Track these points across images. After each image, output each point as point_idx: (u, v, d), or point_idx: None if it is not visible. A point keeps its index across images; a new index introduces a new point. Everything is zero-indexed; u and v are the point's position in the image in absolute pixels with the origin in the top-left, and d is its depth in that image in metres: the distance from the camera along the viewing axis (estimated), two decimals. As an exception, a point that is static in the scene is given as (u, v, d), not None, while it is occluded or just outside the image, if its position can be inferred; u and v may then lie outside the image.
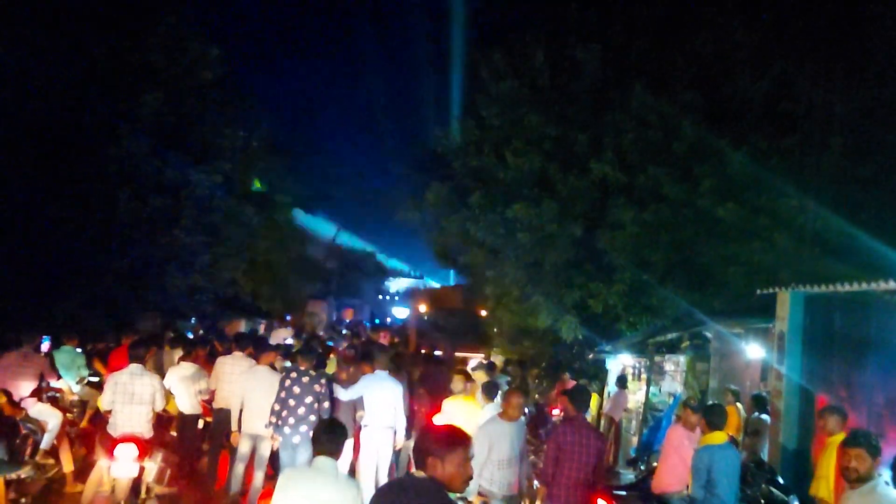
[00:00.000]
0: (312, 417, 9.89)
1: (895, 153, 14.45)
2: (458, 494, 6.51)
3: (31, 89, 18.64)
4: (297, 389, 10.10)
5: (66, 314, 18.54)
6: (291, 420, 9.87)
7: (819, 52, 15.16)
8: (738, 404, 13.28)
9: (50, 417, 10.61)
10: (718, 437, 7.99)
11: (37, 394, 10.88)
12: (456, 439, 4.34)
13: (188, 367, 11.86)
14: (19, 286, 17.97)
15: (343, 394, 10.91)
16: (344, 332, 29.06)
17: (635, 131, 17.45)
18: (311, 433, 8.52)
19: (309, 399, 10.03)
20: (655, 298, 16.97)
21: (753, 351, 14.08)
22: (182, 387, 11.66)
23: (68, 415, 11.51)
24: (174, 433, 12.12)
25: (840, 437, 8.03)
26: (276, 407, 10.13)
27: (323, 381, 10.40)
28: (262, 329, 29.24)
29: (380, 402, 10.71)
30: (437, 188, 21.64)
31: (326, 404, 10.32)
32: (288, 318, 35.62)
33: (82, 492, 9.71)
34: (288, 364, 11.86)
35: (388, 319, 60.28)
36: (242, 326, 29.27)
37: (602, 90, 18.99)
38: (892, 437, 8.78)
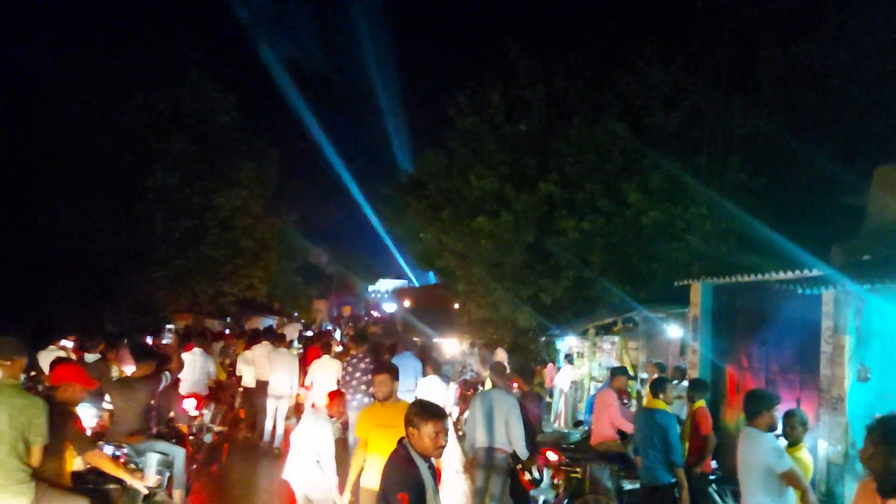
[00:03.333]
0: (364, 387, 10.22)
1: (783, 169, 14.61)
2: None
3: (84, 136, 18.67)
4: (350, 369, 10.53)
5: (114, 317, 18.50)
6: (351, 390, 10.21)
7: (720, 88, 15.28)
8: (662, 375, 13.33)
9: None
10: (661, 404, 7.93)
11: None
12: (430, 413, 4.22)
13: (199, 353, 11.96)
14: (76, 295, 17.92)
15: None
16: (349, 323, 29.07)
17: (574, 156, 17.52)
18: (365, 398, 9.86)
19: (358, 374, 10.41)
20: (594, 291, 17.01)
21: (673, 331, 14.14)
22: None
23: None
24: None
25: (700, 404, 8.16)
26: (342, 381, 10.71)
27: (368, 359, 10.71)
28: (276, 324, 29.14)
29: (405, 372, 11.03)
30: (416, 206, 21.68)
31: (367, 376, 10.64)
32: (296, 314, 35.54)
33: None
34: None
35: (378, 314, 60.13)
36: (260, 322, 29.17)
37: (547, 123, 19.07)
38: (786, 397, 8.86)
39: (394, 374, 6.31)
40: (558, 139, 18.24)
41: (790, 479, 5.29)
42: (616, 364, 16.16)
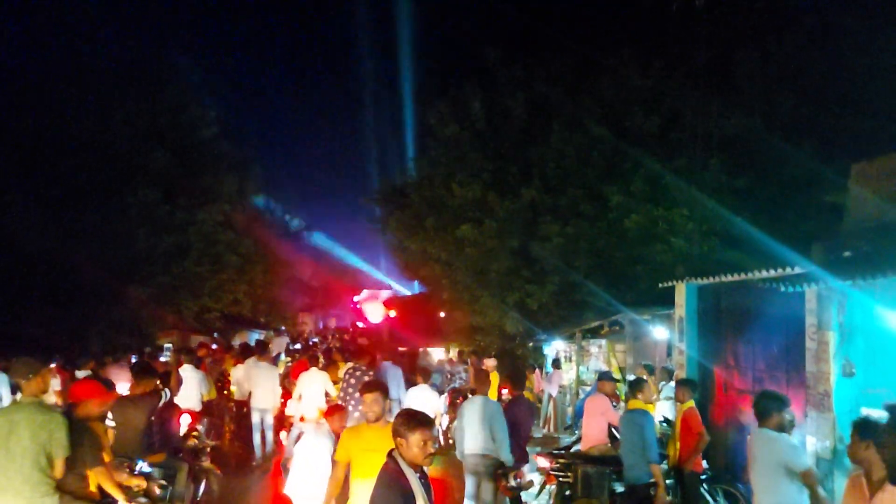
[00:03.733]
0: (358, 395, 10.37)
1: (762, 169, 14.72)
2: None
3: (63, 152, 18.54)
4: (353, 381, 10.67)
5: (98, 336, 18.37)
6: (353, 402, 10.30)
7: (699, 90, 15.40)
8: (651, 376, 13.39)
9: None
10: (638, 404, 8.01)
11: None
12: (417, 423, 4.23)
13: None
14: (56, 314, 17.78)
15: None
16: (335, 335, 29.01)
17: (556, 162, 17.58)
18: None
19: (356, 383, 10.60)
20: (580, 295, 17.05)
21: (659, 333, 14.22)
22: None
23: None
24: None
25: (689, 404, 8.25)
26: (342, 394, 10.82)
27: (371, 372, 11.05)
28: (264, 338, 29.04)
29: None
30: (399, 216, 21.68)
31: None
32: (283, 328, 35.37)
33: None
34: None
35: (364, 325, 59.92)
36: (247, 337, 29.06)
37: (528, 130, 19.13)
38: (772, 395, 8.93)
39: (385, 392, 5.91)
40: (539, 145, 18.29)
41: (808, 478, 5.36)
42: (604, 367, 16.23)
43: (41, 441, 5.25)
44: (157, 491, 6.90)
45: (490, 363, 15.84)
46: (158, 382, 8.04)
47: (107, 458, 5.94)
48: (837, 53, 14.12)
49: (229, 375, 13.95)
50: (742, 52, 15.66)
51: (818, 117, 14.42)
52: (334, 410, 7.17)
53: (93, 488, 5.74)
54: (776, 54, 15.35)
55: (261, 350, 14.05)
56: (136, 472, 6.68)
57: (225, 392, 13.75)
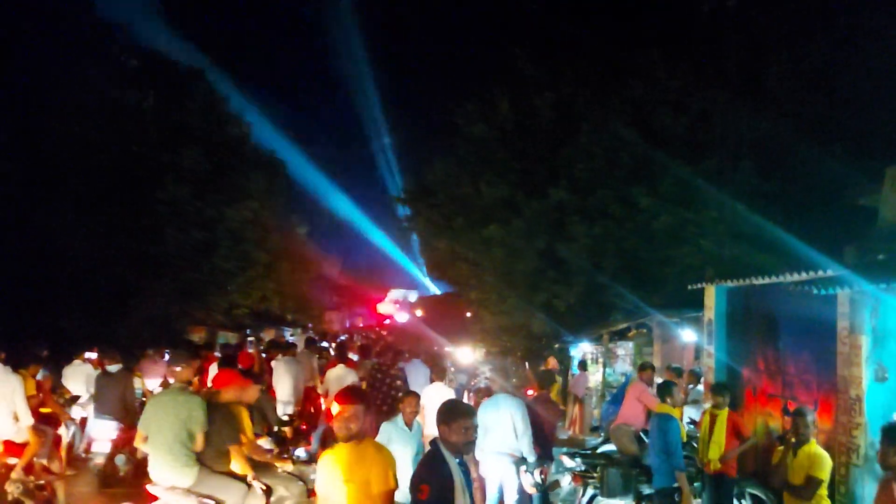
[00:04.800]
0: (393, 392, 10.80)
1: (793, 171, 14.57)
2: None
3: (94, 150, 18.75)
4: (379, 376, 11.16)
5: (127, 331, 18.54)
6: (380, 397, 10.77)
7: (729, 90, 15.28)
8: (679, 379, 13.32)
9: None
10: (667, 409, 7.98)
11: (163, 386, 11.80)
12: (458, 412, 4.49)
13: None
14: (87, 309, 17.98)
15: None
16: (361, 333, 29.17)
17: (584, 162, 17.51)
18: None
19: (388, 380, 11.08)
20: (607, 296, 16.98)
21: (688, 335, 14.18)
22: None
23: None
24: None
25: (725, 411, 8.22)
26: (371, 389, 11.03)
27: (392, 371, 11.43)
28: (289, 335, 29.26)
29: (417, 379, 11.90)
30: (427, 215, 21.71)
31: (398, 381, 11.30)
32: (310, 326, 35.58)
33: None
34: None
35: (391, 324, 60.10)
36: (273, 334, 29.27)
37: (556, 130, 19.08)
38: (802, 399, 8.85)
39: (366, 404, 4.65)
40: (567, 145, 18.24)
41: None
42: (630, 370, 16.17)
43: (182, 418, 6.26)
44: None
45: (553, 362, 15.81)
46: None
47: (244, 439, 6.73)
48: (870, 55, 13.95)
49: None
50: (773, 53, 15.52)
51: (851, 120, 14.25)
52: (405, 400, 7.49)
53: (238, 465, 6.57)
54: (807, 55, 15.19)
55: (286, 348, 14.46)
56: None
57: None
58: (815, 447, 6.47)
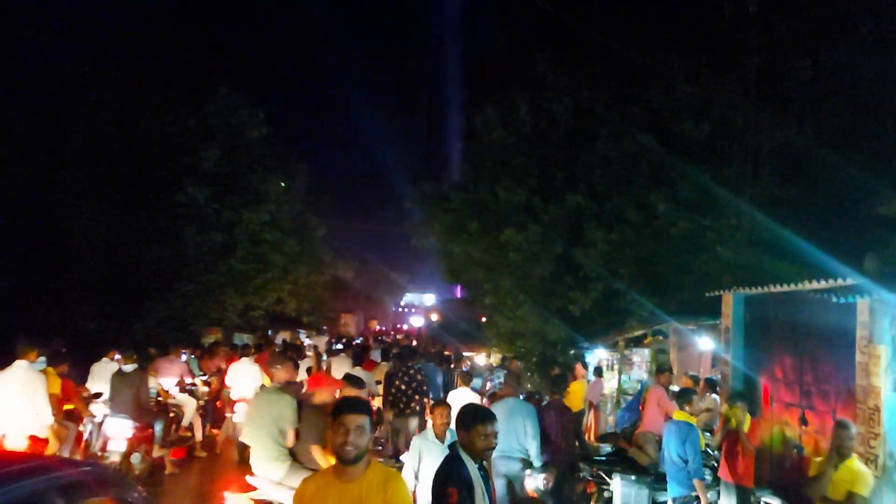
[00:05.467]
0: (415, 395, 11.81)
1: (814, 180, 14.48)
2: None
3: (115, 152, 18.90)
4: (407, 378, 11.85)
5: (144, 331, 18.66)
6: (404, 399, 11.74)
7: (748, 97, 15.21)
8: (696, 387, 13.25)
9: (188, 403, 12.80)
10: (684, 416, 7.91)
11: (180, 385, 12.86)
12: (478, 417, 4.39)
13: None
14: (106, 310, 18.11)
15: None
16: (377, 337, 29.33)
17: (602, 168, 17.50)
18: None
19: (414, 384, 11.88)
20: (624, 303, 16.93)
21: (705, 343, 14.09)
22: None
23: (199, 402, 13.46)
24: None
25: (748, 419, 8.17)
26: (393, 390, 11.87)
27: (422, 371, 12.52)
28: (304, 337, 29.43)
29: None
30: (442, 219, 21.71)
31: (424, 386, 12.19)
32: (325, 328, 35.67)
33: (206, 456, 12.60)
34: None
35: (406, 327, 60.17)
36: (288, 336, 29.39)
37: (574, 136, 19.06)
38: (819, 409, 8.79)
39: (370, 415, 3.71)
40: (586, 151, 18.21)
41: None
42: (646, 377, 16.10)
43: (274, 416, 6.73)
44: None
45: (581, 371, 15.79)
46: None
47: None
48: (891, 62, 13.85)
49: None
50: (793, 59, 15.44)
51: (872, 128, 14.15)
52: (435, 410, 7.34)
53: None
54: (828, 62, 15.10)
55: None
56: None
57: None
58: (856, 462, 6.39)
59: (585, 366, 16.27)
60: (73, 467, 3.90)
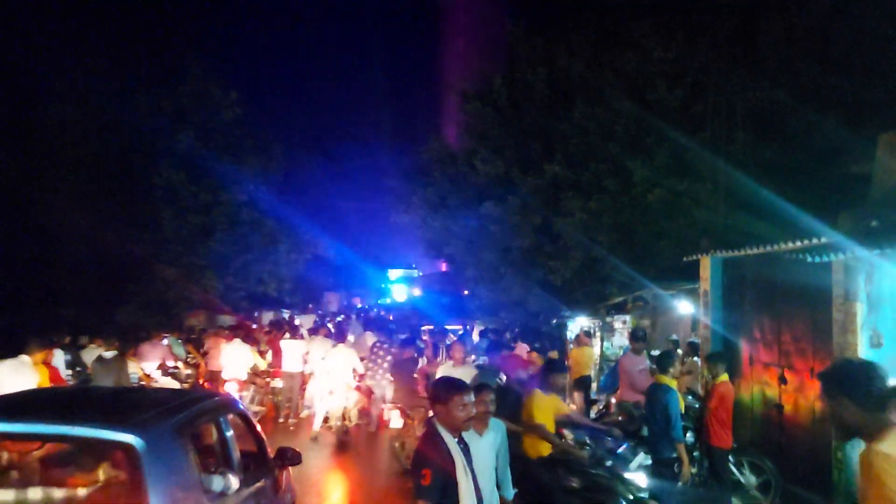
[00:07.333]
0: (385, 365, 12.32)
1: (788, 140, 14.53)
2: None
3: (90, 135, 18.71)
4: (381, 353, 12.51)
5: (126, 317, 18.58)
6: (380, 371, 12.33)
7: (721, 63, 15.20)
8: (678, 350, 13.35)
9: (170, 385, 12.73)
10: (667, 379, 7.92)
11: (161, 368, 13.02)
12: (453, 388, 4.27)
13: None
14: (86, 295, 18.00)
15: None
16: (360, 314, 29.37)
17: (578, 137, 17.47)
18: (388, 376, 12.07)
19: (389, 357, 12.41)
20: (604, 270, 17.00)
21: (684, 307, 14.18)
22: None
23: (183, 384, 13.61)
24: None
25: (724, 378, 8.20)
26: (370, 364, 12.51)
27: (394, 347, 12.81)
28: (287, 317, 29.28)
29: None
30: (422, 193, 21.66)
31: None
32: (310, 306, 35.60)
33: None
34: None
35: (389, 301, 60.19)
36: (271, 316, 29.28)
37: (550, 105, 19.01)
38: (799, 367, 8.87)
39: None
40: (562, 120, 18.17)
41: None
42: (628, 343, 16.20)
43: None
44: None
45: (585, 339, 15.77)
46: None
47: None
48: (863, 22, 13.85)
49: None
50: (765, 21, 15.41)
51: (844, 87, 14.18)
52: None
53: None
54: (800, 23, 15.08)
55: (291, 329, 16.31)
56: None
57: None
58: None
59: (589, 335, 16.29)
60: (219, 396, 6.71)
